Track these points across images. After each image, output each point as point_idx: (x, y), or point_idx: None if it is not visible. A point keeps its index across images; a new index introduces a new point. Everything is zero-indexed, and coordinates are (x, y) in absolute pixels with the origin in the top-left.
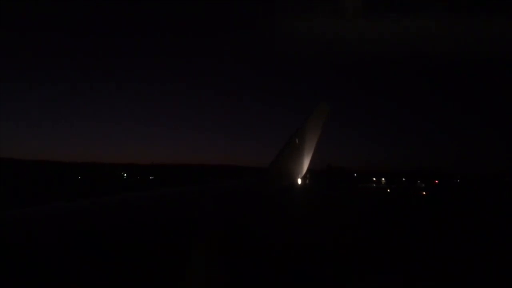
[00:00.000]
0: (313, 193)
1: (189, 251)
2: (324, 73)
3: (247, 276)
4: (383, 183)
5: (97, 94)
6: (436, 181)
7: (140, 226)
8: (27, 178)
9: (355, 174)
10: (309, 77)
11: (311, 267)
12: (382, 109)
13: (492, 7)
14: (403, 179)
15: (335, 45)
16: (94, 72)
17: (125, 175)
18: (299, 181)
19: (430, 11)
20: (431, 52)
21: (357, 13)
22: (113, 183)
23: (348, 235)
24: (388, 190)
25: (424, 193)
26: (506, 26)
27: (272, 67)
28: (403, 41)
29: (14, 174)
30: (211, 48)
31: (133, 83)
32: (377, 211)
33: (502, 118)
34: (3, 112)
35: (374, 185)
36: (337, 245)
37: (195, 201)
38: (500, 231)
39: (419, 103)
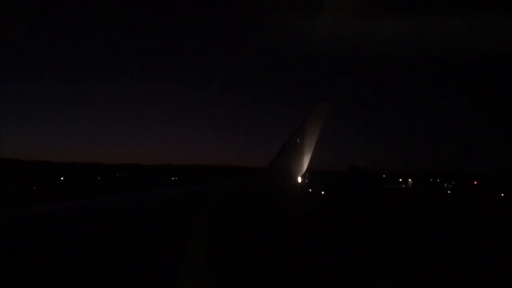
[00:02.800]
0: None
1: (187, 251)
2: (326, 75)
3: (246, 276)
4: (410, 184)
5: (96, 94)
6: (475, 182)
7: (140, 226)
8: (30, 179)
9: (383, 175)
10: (312, 78)
11: (310, 268)
12: (388, 110)
13: (494, 6)
14: (430, 179)
15: (344, 45)
16: (91, 72)
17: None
18: (299, 180)
19: (435, 11)
20: (449, 53)
21: (359, 12)
22: (113, 183)
23: None
24: (449, 192)
25: (502, 194)
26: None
27: (273, 68)
28: (419, 41)
29: (27, 175)
30: (213, 50)
31: (134, 84)
32: None
33: None
34: (3, 112)
35: (404, 185)
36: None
37: (194, 200)
38: None
39: (428, 105)
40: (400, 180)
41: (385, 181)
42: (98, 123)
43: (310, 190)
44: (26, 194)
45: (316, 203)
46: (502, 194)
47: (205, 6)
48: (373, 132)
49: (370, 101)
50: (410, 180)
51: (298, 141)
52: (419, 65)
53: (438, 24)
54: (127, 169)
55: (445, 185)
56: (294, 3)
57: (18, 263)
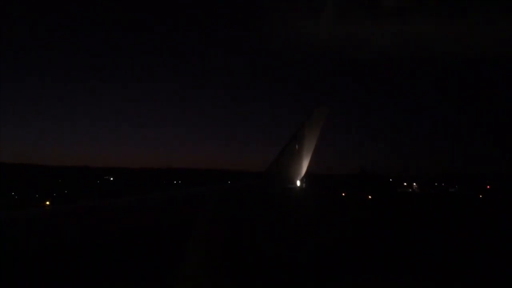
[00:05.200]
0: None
1: (189, 251)
2: (328, 77)
3: (246, 277)
4: (415, 187)
5: (95, 95)
6: (488, 186)
7: (143, 226)
8: (26, 182)
9: (390, 179)
10: (314, 81)
11: (311, 268)
12: (387, 111)
13: (493, 7)
14: (435, 183)
15: (347, 47)
16: (87, 73)
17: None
18: (298, 183)
19: (433, 12)
20: (444, 53)
21: (360, 14)
22: (115, 185)
23: None
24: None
25: None
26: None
27: (273, 70)
28: (417, 42)
29: (29, 178)
30: (213, 53)
31: (132, 85)
32: None
33: None
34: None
35: (411, 189)
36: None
37: (194, 203)
38: None
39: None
40: (405, 184)
41: (393, 185)
42: (94, 125)
43: (343, 194)
44: (25, 198)
45: (317, 207)
46: None
47: (203, 7)
48: (380, 134)
49: (377, 104)
50: (415, 184)
51: (297, 146)
52: (424, 67)
53: (440, 26)
54: (127, 171)
55: (450, 189)
56: (294, 5)
57: (20, 264)
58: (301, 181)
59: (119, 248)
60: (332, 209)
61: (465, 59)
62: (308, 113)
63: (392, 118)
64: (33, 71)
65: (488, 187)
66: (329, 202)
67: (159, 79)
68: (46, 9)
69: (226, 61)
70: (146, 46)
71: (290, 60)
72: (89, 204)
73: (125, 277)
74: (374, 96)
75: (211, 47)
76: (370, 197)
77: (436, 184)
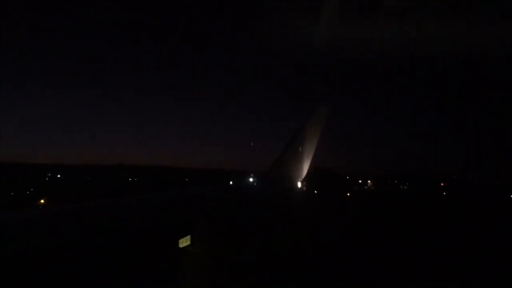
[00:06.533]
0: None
1: (188, 250)
2: (322, 77)
3: (245, 276)
4: (369, 185)
5: (97, 96)
6: (442, 184)
7: (143, 226)
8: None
9: (347, 177)
10: (308, 80)
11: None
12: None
13: (493, 7)
14: (388, 181)
15: (335, 47)
16: (90, 73)
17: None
18: (299, 184)
19: (433, 12)
20: (431, 54)
21: (360, 14)
22: (117, 185)
23: None
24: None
25: None
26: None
27: (273, 71)
28: (403, 44)
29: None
30: (213, 53)
31: (135, 85)
32: None
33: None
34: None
35: (366, 187)
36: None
37: (196, 202)
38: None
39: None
40: (360, 181)
41: (348, 183)
42: (101, 124)
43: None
44: (25, 198)
45: (317, 207)
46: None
47: (204, 8)
48: (336, 134)
49: (339, 105)
50: (369, 181)
51: (300, 149)
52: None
53: (440, 26)
54: (126, 172)
55: (401, 187)
56: (294, 5)
57: (19, 264)
58: (302, 183)
59: (119, 248)
60: (332, 210)
61: (465, 60)
62: (308, 113)
63: (349, 119)
64: (33, 71)
65: (442, 184)
66: (328, 202)
67: (159, 79)
68: (46, 10)
69: (226, 61)
70: (144, 46)
71: (290, 60)
72: (89, 204)
73: (125, 277)
74: (334, 97)
75: (211, 47)
76: (349, 194)
77: (389, 181)
